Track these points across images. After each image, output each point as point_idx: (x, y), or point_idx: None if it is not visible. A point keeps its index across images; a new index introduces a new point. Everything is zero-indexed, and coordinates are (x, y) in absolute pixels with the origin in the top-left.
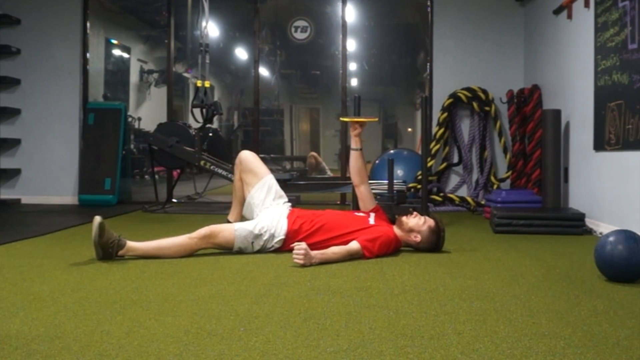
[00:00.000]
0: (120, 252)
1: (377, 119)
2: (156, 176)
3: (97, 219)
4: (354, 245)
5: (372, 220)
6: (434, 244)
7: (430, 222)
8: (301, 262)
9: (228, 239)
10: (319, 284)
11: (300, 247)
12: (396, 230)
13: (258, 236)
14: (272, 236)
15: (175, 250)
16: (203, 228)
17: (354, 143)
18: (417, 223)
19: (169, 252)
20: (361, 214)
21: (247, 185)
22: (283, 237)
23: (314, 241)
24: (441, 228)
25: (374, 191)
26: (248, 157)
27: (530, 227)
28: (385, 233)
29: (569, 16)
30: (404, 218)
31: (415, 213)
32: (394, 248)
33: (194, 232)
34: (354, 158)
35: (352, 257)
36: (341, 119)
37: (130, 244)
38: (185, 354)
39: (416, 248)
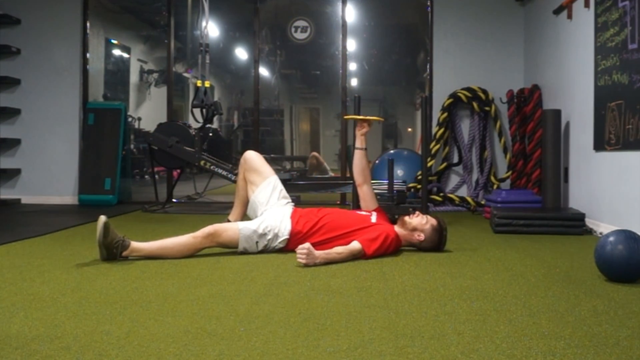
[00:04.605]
0: (125, 253)
1: (383, 119)
2: (156, 176)
3: (102, 218)
4: (356, 245)
5: (374, 219)
6: (436, 243)
7: (433, 221)
8: (304, 261)
9: (232, 238)
10: (319, 284)
11: (303, 246)
12: (398, 229)
13: (262, 235)
14: (276, 236)
15: (179, 249)
16: (207, 227)
17: (359, 142)
18: (420, 222)
19: (172, 252)
20: (363, 213)
21: (252, 184)
22: (287, 237)
23: (317, 240)
24: (443, 227)
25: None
26: (253, 157)
27: (530, 227)
28: (386, 232)
29: (569, 16)
30: (407, 218)
31: (417, 212)
32: (394, 247)
33: (197, 231)
34: (358, 157)
35: (354, 257)
36: (347, 117)
37: (135, 244)
38: (185, 354)
39: (418, 247)
